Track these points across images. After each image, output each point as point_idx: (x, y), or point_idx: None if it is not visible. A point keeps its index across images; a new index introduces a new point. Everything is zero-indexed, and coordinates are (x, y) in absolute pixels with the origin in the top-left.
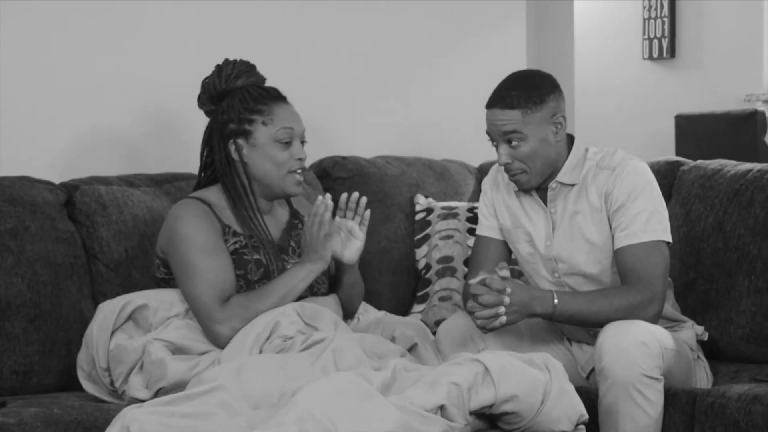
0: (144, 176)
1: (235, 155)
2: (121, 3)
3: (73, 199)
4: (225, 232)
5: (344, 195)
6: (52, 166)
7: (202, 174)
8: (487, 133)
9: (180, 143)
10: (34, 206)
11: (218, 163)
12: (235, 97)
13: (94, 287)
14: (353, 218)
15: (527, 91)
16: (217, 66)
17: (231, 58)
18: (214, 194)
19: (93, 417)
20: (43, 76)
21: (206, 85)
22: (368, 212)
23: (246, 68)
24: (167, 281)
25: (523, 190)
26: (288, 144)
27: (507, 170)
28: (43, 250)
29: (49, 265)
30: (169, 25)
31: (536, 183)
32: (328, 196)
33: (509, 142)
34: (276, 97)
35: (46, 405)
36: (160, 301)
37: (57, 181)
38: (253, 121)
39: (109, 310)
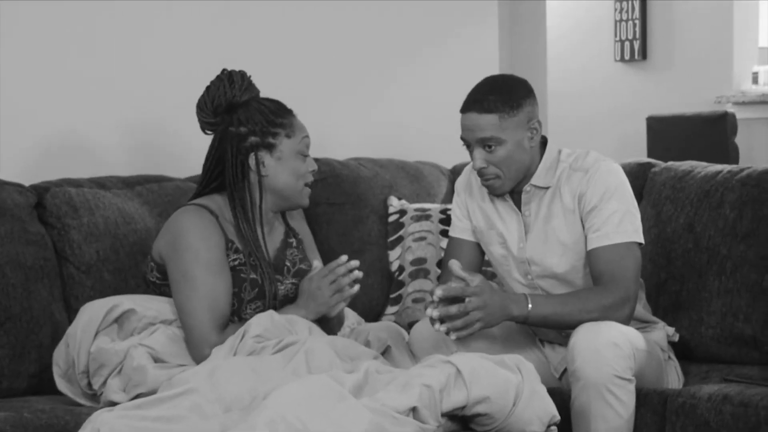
0: (115, 178)
1: (254, 168)
2: (94, 7)
3: (43, 201)
4: (228, 247)
5: (343, 257)
6: (22, 168)
7: (204, 182)
8: (462, 138)
9: (152, 145)
10: (3, 208)
11: (230, 175)
12: (252, 109)
13: (65, 290)
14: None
15: (504, 96)
16: (225, 77)
17: (227, 68)
18: (216, 204)
19: (63, 421)
20: (14, 78)
21: (214, 96)
22: (361, 274)
23: (250, 81)
24: (158, 286)
25: (496, 195)
26: (305, 157)
27: (481, 174)
28: (12, 253)
29: (19, 268)
30: (141, 29)
31: (509, 188)
32: (356, 263)
33: (485, 146)
34: (289, 110)
35: (16, 409)
36: (147, 308)
37: (27, 183)
38: (277, 134)
39: (94, 312)
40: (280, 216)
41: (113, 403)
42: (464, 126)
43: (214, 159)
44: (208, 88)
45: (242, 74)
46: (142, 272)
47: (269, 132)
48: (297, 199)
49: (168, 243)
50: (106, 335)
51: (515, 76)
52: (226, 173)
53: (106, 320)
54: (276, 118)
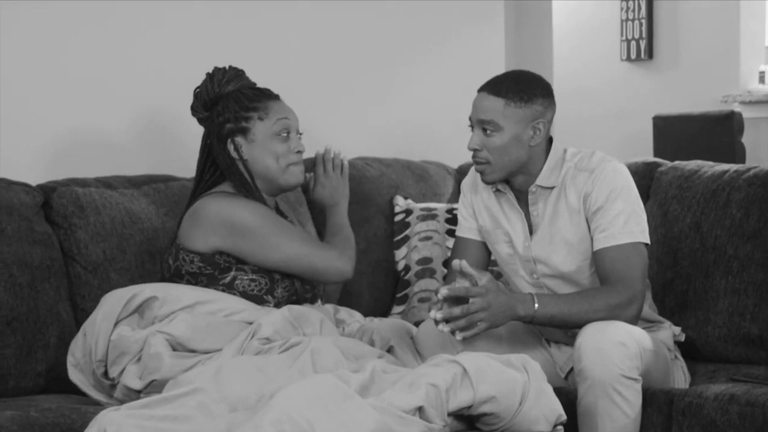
0: (122, 178)
1: (234, 154)
2: (102, 6)
3: (50, 201)
4: None
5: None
6: (29, 167)
7: (199, 176)
8: (469, 118)
9: (158, 145)
10: (10, 208)
11: (222, 165)
12: (230, 99)
13: (71, 289)
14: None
15: (518, 86)
16: (208, 74)
17: (219, 66)
18: (230, 189)
19: (70, 420)
20: (20, 78)
21: (199, 92)
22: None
23: (236, 73)
24: (195, 275)
25: (485, 182)
26: (286, 137)
27: (473, 157)
28: (19, 252)
29: (26, 268)
30: (147, 28)
31: (497, 178)
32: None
33: (484, 129)
34: (269, 95)
35: (22, 408)
36: (167, 294)
37: (34, 182)
38: (249, 118)
39: (114, 301)
40: (275, 206)
41: (128, 389)
42: (473, 104)
43: (204, 152)
44: (196, 88)
45: (224, 69)
46: (175, 266)
47: (242, 117)
48: (282, 180)
49: (225, 230)
50: (127, 324)
51: (540, 77)
52: (218, 164)
53: (127, 309)
54: (250, 103)
